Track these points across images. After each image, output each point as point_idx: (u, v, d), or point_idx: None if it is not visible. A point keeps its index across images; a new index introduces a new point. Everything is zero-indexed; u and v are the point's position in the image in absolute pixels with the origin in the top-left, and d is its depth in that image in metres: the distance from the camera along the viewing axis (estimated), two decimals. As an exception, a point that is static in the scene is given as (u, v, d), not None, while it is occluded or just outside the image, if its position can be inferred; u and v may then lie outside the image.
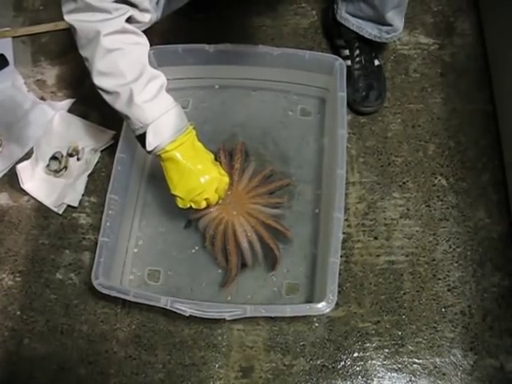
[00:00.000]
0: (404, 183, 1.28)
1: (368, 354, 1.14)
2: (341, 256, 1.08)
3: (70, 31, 0.97)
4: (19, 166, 1.29)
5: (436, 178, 1.28)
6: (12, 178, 1.33)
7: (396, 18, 1.22)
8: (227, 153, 1.24)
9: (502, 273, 1.19)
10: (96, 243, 1.13)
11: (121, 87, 0.96)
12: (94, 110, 1.39)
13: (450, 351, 1.13)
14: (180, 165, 1.02)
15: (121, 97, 0.97)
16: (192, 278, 1.20)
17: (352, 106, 1.33)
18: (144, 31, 1.02)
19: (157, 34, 1.35)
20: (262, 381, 1.13)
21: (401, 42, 1.43)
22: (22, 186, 1.30)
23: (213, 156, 1.10)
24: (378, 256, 1.22)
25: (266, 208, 1.19)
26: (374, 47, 1.34)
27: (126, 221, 1.21)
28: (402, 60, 1.42)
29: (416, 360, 1.13)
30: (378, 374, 1.12)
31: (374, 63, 1.35)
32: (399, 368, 1.13)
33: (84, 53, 0.96)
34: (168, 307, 1.03)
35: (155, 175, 1.27)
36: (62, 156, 1.34)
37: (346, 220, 1.23)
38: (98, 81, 0.97)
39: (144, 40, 1.01)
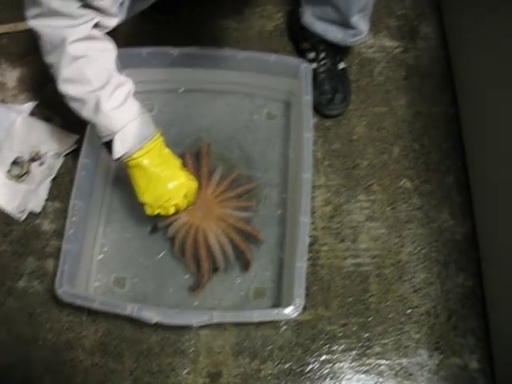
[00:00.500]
0: (369, 186, 1.29)
1: (336, 356, 1.15)
2: (307, 259, 1.09)
3: (30, 33, 0.93)
4: (-21, 172, 1.26)
5: (401, 181, 1.30)
6: (-28, 183, 1.29)
7: (361, 22, 1.22)
8: (193, 156, 1.23)
9: (466, 274, 1.21)
10: (60, 249, 1.10)
11: (87, 94, 0.94)
12: (56, 113, 1.35)
13: (416, 351, 1.15)
14: (147, 172, 1.01)
15: (87, 104, 0.95)
16: (158, 284, 1.19)
17: (317, 109, 1.33)
18: (107, 33, 0.99)
19: (120, 36, 1.32)
20: (230, 386, 1.13)
21: (365, 45, 1.44)
22: (-18, 192, 1.26)
23: (181, 162, 1.09)
24: (344, 259, 1.22)
25: (235, 211, 1.18)
26: (339, 50, 1.34)
27: (90, 227, 1.19)
28: (367, 63, 1.43)
29: (383, 361, 1.14)
30: (346, 376, 1.13)
31: (338, 66, 1.35)
32: (367, 369, 1.14)
33: (49, 59, 0.93)
34: (134, 315, 1.02)
35: (120, 180, 1.26)
36: (24, 161, 1.30)
37: (312, 223, 1.24)
38: (64, 88, 0.94)
39: (111, 46, 0.99)
